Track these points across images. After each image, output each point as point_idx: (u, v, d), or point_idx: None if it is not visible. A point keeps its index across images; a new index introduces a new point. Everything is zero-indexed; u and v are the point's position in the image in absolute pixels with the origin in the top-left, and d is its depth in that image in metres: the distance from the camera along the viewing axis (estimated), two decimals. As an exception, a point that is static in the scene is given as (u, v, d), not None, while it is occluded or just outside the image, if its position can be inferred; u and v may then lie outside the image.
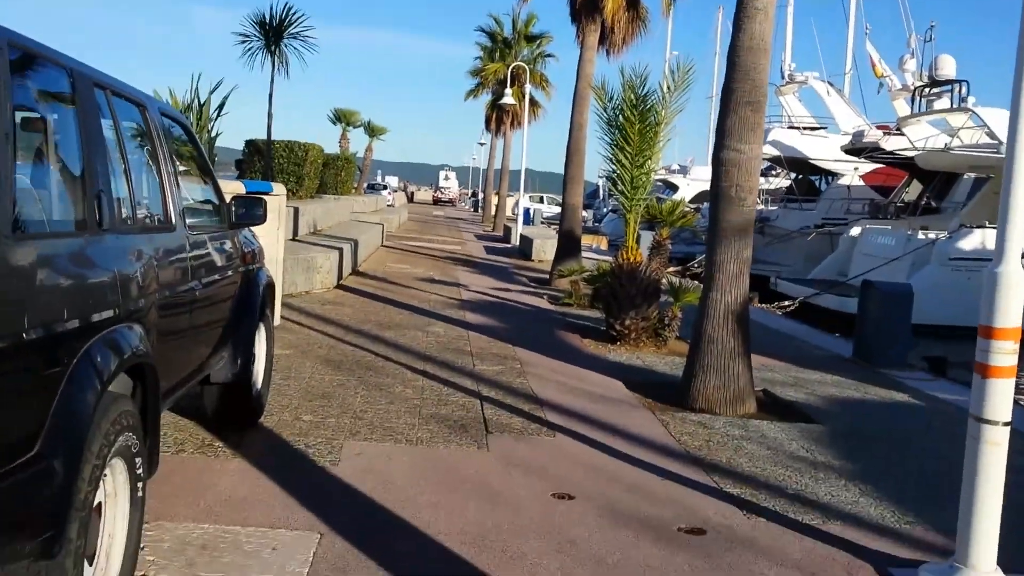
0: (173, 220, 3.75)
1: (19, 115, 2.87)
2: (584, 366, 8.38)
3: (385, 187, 57.12)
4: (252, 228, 8.05)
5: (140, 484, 2.95)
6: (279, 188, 8.86)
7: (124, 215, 3.25)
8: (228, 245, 4.76)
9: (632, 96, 9.98)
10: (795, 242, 23.63)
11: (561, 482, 4.85)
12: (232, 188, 7.93)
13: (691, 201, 29.91)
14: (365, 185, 43.23)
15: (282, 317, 9.24)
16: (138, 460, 2.92)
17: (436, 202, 75.65)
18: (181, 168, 4.70)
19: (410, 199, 73.54)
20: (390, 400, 6.37)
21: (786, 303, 17.22)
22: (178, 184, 3.89)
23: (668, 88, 10.08)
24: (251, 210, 4.77)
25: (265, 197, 8.52)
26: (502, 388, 7.13)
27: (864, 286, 10.24)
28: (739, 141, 6.90)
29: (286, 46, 15.59)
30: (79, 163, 2.86)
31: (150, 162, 3.79)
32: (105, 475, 2.68)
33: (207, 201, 4.78)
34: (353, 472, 4.74)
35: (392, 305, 11.29)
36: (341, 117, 33.93)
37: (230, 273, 4.71)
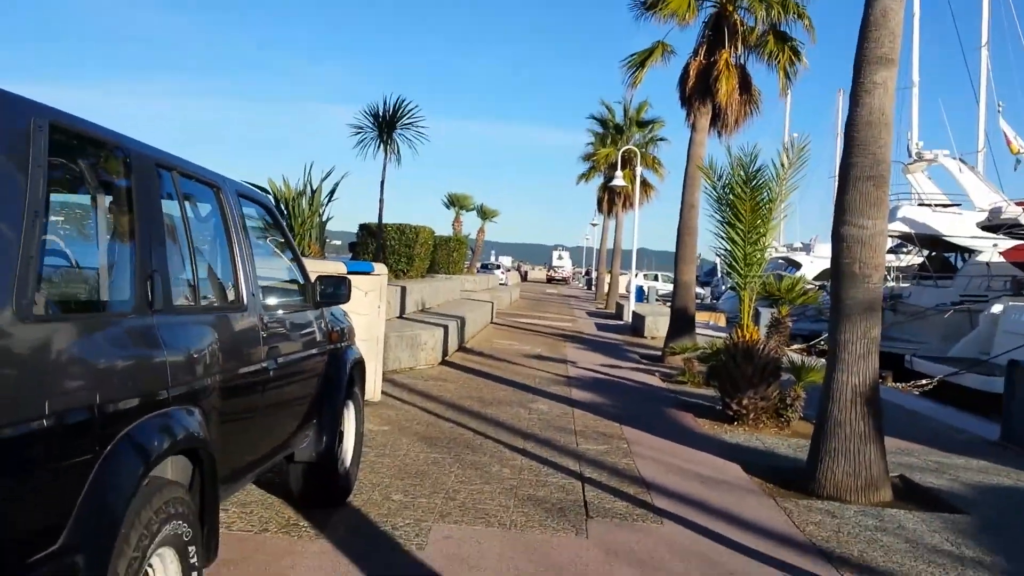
0: (245, 299, 3.60)
1: (66, 196, 2.80)
2: (697, 447, 7.80)
3: (498, 266, 57.88)
4: (349, 307, 8.11)
5: (195, 574, 2.71)
6: (380, 268, 8.84)
7: (184, 296, 3.13)
8: (312, 323, 4.61)
9: (741, 173, 9.64)
10: (931, 319, 22.19)
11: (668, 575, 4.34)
12: (334, 268, 7.97)
13: (814, 278, 28.75)
14: (478, 265, 43.89)
15: (383, 393, 9.11)
16: (191, 548, 2.68)
17: (550, 280, 76.04)
18: (268, 248, 4.64)
19: (524, 278, 74.21)
20: (485, 480, 6.01)
21: (923, 382, 15.94)
22: (252, 264, 3.76)
23: (782, 164, 9.67)
24: (336, 289, 4.65)
25: (364, 277, 8.61)
26: (606, 469, 6.66)
27: (1011, 365, 9.34)
28: (860, 216, 6.52)
29: (398, 136, 16.04)
30: (131, 243, 2.72)
31: (222, 242, 3.69)
32: (151, 565, 2.47)
33: (292, 281, 4.67)
34: (439, 557, 4.40)
35: (496, 381, 11.01)
36: (455, 201, 34.71)
37: (314, 351, 4.56)
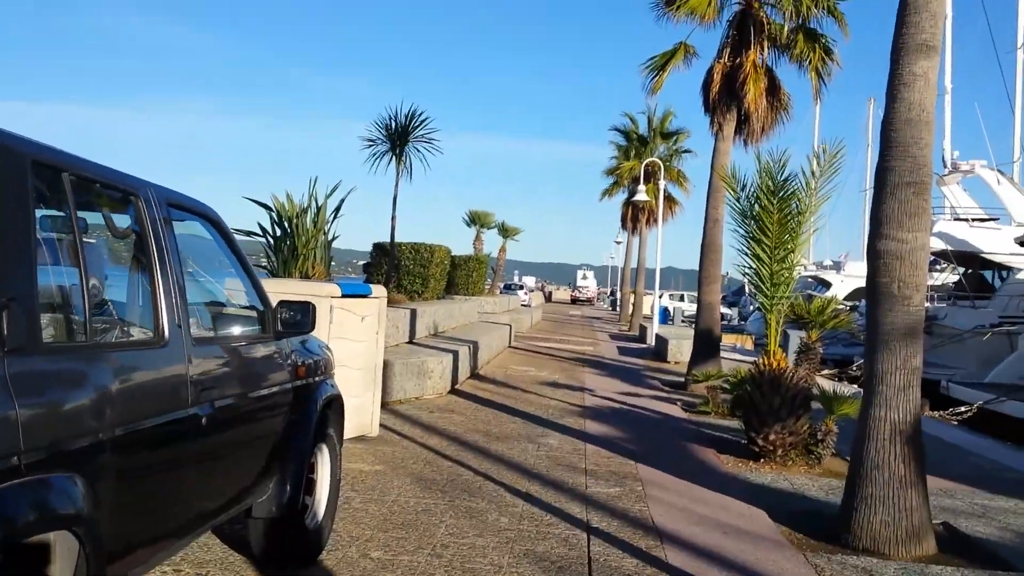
0: (165, 332, 3.03)
1: None
2: (718, 489, 7.13)
3: (521, 287, 57.21)
4: (343, 333, 7.55)
5: None
6: (378, 291, 8.29)
7: (65, 330, 2.59)
8: (269, 357, 4.05)
9: (769, 182, 8.93)
10: (968, 343, 21.23)
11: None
12: (328, 291, 7.45)
13: (846, 299, 27.80)
14: (501, 285, 43.26)
15: (382, 426, 8.54)
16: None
17: (574, 301, 75.22)
18: (221, 270, 4.10)
19: (548, 299, 73.46)
20: (479, 531, 5.40)
21: (961, 409, 15.09)
22: (179, 288, 3.18)
23: (812, 173, 8.97)
24: (300, 316, 4.07)
25: (361, 300, 8.07)
26: (617, 516, 6.02)
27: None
28: (900, 229, 5.82)
29: (411, 150, 15.54)
30: None
31: (140, 262, 3.14)
32: None
33: (248, 307, 4.10)
34: (413, 633, 3.80)
35: (506, 412, 10.40)
36: (475, 219, 34.10)
37: (272, 389, 3.99)
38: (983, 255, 24.66)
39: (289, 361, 4.25)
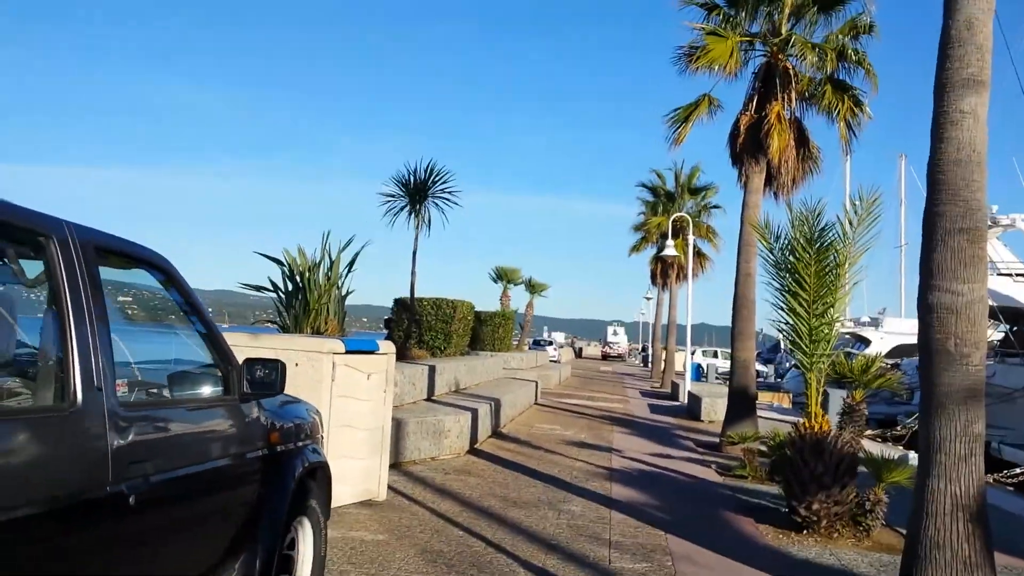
0: (78, 396, 2.50)
1: None
2: (758, 566, 6.41)
3: (550, 343, 56.53)
4: (347, 392, 7.02)
5: None
6: (386, 346, 7.77)
7: None
8: (229, 422, 3.52)
9: (805, 231, 8.35)
10: (1019, 402, 20.16)
11: None
12: (330, 346, 6.96)
13: (886, 356, 26.84)
14: (529, 341, 42.66)
15: (391, 489, 7.95)
16: None
17: (605, 357, 74.08)
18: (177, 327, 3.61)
19: (578, 355, 72.49)
20: (485, 617, 4.78)
21: (1017, 471, 14.12)
22: (102, 343, 2.65)
23: (850, 222, 8.37)
24: (269, 375, 3.56)
25: (367, 356, 7.55)
26: (643, 599, 5.36)
27: None
28: (954, 280, 5.26)
29: (430, 204, 15.26)
30: None
31: (52, 314, 2.63)
32: None
33: (210, 366, 3.57)
34: None
35: (527, 475, 9.74)
36: (502, 275, 33.77)
37: (235, 460, 3.46)
38: None
39: (258, 426, 3.71)
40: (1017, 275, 25.02)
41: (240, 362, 3.62)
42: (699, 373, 31.53)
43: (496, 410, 13.35)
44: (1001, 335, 26.37)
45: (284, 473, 3.84)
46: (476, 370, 16.75)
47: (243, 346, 6.84)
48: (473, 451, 11.19)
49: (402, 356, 14.30)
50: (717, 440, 14.05)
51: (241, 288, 12.63)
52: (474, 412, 11.41)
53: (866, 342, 33.63)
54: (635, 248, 37.95)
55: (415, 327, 16.85)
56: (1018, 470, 14.41)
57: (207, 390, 3.49)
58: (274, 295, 11.42)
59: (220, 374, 3.54)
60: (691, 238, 27.24)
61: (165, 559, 2.99)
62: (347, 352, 7.09)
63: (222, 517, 3.39)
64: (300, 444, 4.14)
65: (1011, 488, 13.28)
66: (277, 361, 3.61)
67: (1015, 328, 25.69)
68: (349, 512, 7.09)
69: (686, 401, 22.54)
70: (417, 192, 14.82)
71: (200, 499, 3.21)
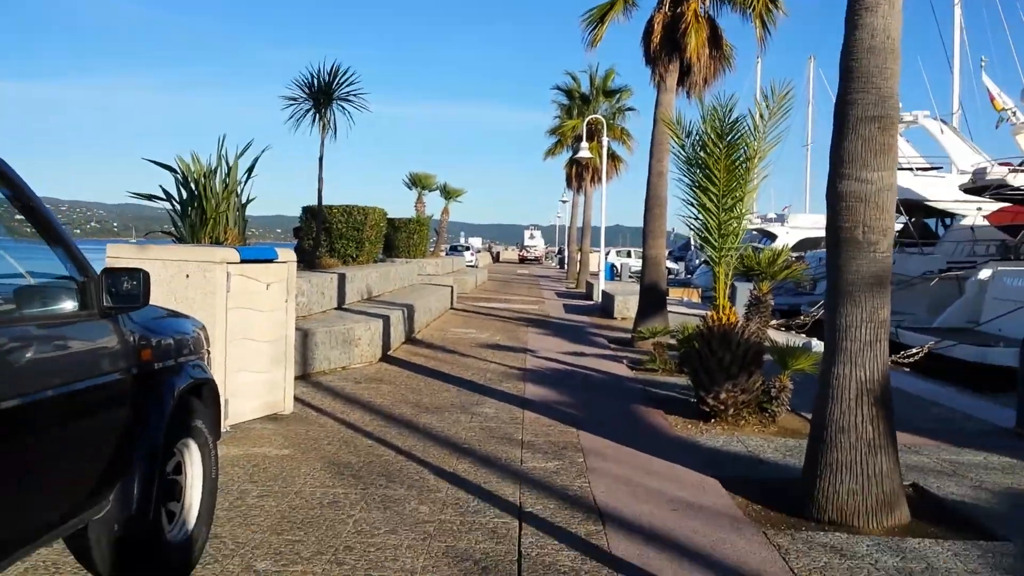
0: None
1: None
2: (667, 456, 6.48)
3: (467, 248, 56.42)
4: (245, 302, 6.67)
5: None
6: (286, 254, 7.36)
7: None
8: (88, 339, 3.18)
9: (716, 126, 8.20)
10: (916, 288, 21.10)
11: None
12: (223, 255, 6.53)
13: (792, 249, 27.67)
14: (446, 247, 42.33)
15: (298, 401, 7.71)
16: None
17: (522, 261, 74.69)
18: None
19: (495, 259, 72.80)
20: (393, 526, 4.64)
21: (913, 350, 14.81)
22: None
23: (761, 115, 8.25)
24: (132, 287, 3.21)
25: (265, 265, 7.16)
26: (554, 496, 5.33)
27: (1026, 344, 8.11)
28: (863, 168, 5.20)
29: (336, 108, 14.51)
30: None
31: None
32: None
33: (66, 278, 3.17)
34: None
35: (441, 380, 9.63)
36: (417, 181, 33.06)
37: (97, 380, 3.12)
38: (928, 203, 24.68)
39: (125, 343, 3.37)
40: (918, 169, 25.83)
41: (99, 273, 3.25)
42: (613, 273, 31.92)
43: (409, 316, 13.14)
44: (900, 226, 27.46)
45: (161, 393, 3.53)
46: (389, 277, 16.42)
47: (129, 258, 6.37)
48: (386, 358, 11.00)
49: (312, 265, 13.85)
50: (629, 336, 14.26)
51: (140, 200, 11.86)
52: (386, 319, 11.16)
53: (772, 237, 34.59)
54: (550, 152, 37.75)
55: (325, 235, 16.32)
56: (914, 349, 15.10)
57: (63, 305, 3.12)
58: (168, 205, 10.76)
59: (76, 287, 3.17)
60: (605, 140, 27.07)
61: (23, 496, 2.69)
62: (242, 261, 6.68)
63: (88, 444, 3.08)
64: (180, 361, 3.81)
65: (907, 369, 13.92)
66: (139, 270, 3.24)
67: (913, 219, 26.73)
68: (253, 428, 6.83)
69: (600, 300, 22.83)
70: (321, 94, 14.05)
71: (58, 426, 2.89)
